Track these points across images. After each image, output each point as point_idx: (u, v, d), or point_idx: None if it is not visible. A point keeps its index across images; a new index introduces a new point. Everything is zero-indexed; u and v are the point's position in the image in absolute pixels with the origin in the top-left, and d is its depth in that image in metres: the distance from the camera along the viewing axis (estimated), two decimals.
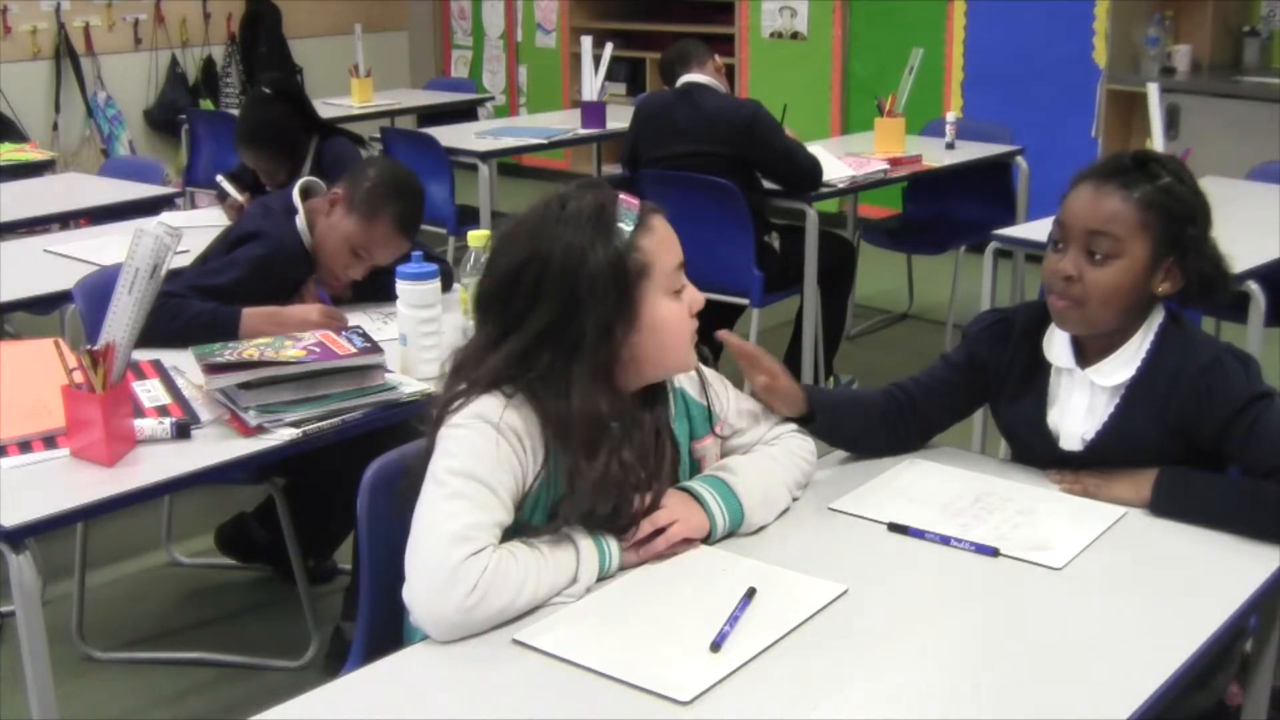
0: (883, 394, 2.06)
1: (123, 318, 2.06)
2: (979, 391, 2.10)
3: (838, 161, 4.31)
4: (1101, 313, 1.85)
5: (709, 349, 1.83)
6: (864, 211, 5.56)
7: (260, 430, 2.16)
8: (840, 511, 1.85)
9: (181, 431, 2.15)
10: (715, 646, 1.47)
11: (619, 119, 5.16)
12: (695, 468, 1.83)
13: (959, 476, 1.96)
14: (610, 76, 5.89)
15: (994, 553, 1.71)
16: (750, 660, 1.46)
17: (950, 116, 4.86)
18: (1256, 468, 1.80)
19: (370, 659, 1.52)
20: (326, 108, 5.82)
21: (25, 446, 2.11)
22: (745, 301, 4.06)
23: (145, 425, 2.14)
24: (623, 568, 1.66)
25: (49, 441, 2.12)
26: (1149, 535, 1.78)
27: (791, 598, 1.59)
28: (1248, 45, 5.59)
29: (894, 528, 1.79)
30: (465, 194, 5.08)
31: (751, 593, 1.58)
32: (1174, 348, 1.88)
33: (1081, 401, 1.93)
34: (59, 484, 2.00)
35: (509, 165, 7.41)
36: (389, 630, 1.71)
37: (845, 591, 1.61)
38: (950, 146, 4.79)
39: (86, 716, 2.74)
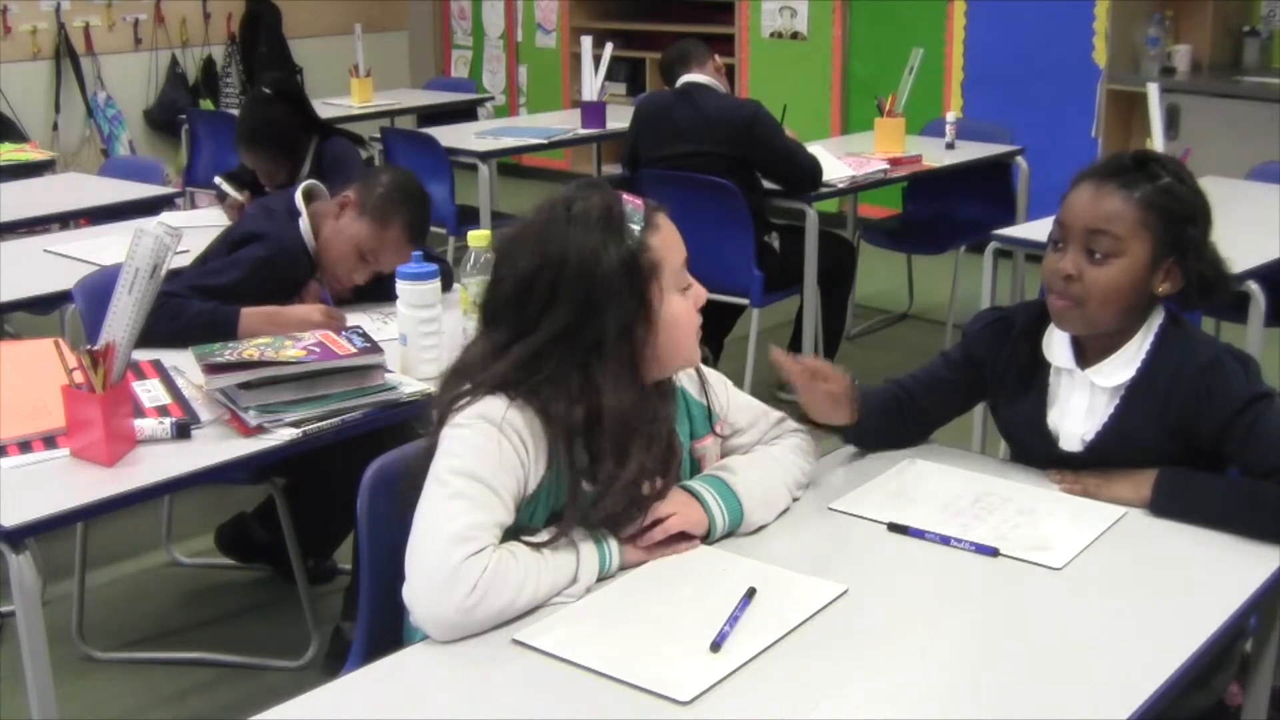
0: (884, 391, 2.06)
1: (123, 318, 2.06)
2: (977, 389, 2.10)
3: (838, 161, 4.31)
4: (1101, 312, 1.85)
5: (709, 349, 1.83)
6: (864, 211, 5.56)
7: (260, 430, 2.16)
8: (840, 511, 1.85)
9: (181, 431, 2.15)
10: (715, 646, 1.47)
11: (619, 119, 5.16)
12: (695, 467, 1.83)
13: (959, 476, 1.96)
14: (610, 76, 5.89)
15: (994, 553, 1.71)
16: (750, 660, 1.46)
17: (950, 116, 4.86)
18: (1256, 468, 1.80)
19: (370, 659, 1.52)
20: (326, 108, 5.83)
21: (25, 446, 2.11)
22: (745, 301, 4.06)
23: (145, 425, 2.14)
24: (623, 567, 1.66)
25: (49, 441, 2.12)
26: (1149, 535, 1.78)
27: (791, 598, 1.59)
28: (1248, 45, 5.59)
29: (894, 528, 1.79)
30: (465, 194, 5.08)
31: (751, 593, 1.58)
32: (1174, 348, 1.88)
33: (1081, 402, 1.93)
34: (59, 484, 2.00)
35: (509, 165, 7.41)
36: (389, 630, 1.71)
37: (845, 591, 1.61)
38: (950, 146, 4.79)
39: (86, 716, 2.74)
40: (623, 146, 4.45)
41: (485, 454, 1.58)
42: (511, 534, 1.60)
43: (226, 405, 2.21)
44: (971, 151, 4.79)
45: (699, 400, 1.84)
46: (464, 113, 6.32)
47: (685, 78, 4.17)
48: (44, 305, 3.32)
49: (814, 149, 4.20)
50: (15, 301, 3.10)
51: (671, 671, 1.43)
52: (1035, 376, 1.98)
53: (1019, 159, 4.87)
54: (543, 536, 1.61)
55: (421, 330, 2.43)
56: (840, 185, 4.21)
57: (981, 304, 3.61)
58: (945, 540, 1.75)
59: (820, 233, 4.10)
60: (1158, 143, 3.76)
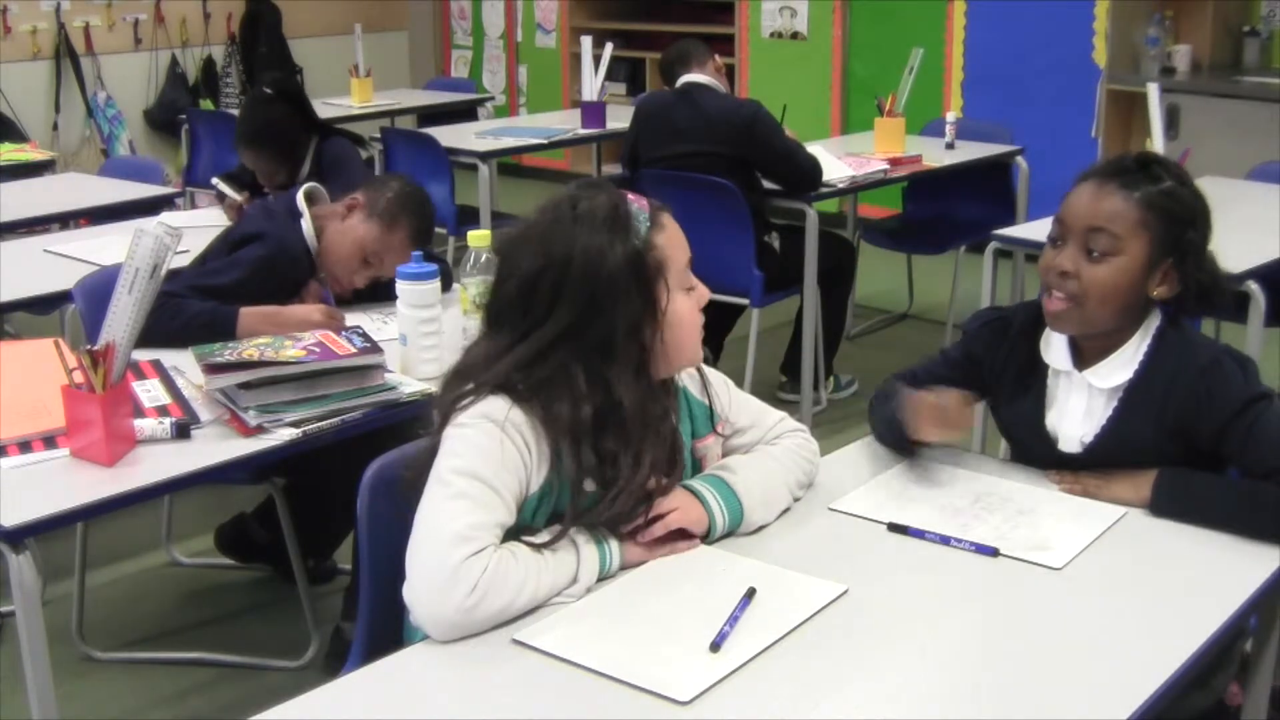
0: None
1: (123, 318, 2.06)
2: (976, 388, 2.10)
3: (838, 161, 4.31)
4: (1098, 311, 1.85)
5: (709, 348, 1.83)
6: (864, 211, 5.56)
7: (260, 430, 2.16)
8: (840, 511, 1.85)
9: (181, 431, 2.15)
10: (715, 646, 1.47)
11: (619, 119, 5.16)
12: (697, 467, 1.83)
13: (959, 476, 1.96)
14: (610, 76, 5.89)
15: (994, 553, 1.71)
16: (750, 660, 1.46)
17: (950, 116, 4.86)
18: (1255, 469, 1.80)
19: (370, 659, 1.52)
20: (326, 108, 5.83)
21: (25, 446, 2.10)
22: (745, 301, 4.06)
23: (145, 425, 2.14)
24: (623, 567, 1.66)
25: (49, 441, 2.12)
26: (1149, 535, 1.78)
27: (791, 598, 1.59)
28: (1248, 45, 5.59)
29: (894, 528, 1.79)
30: (465, 194, 5.08)
31: (751, 593, 1.58)
32: (1172, 350, 1.88)
33: (1079, 404, 1.93)
34: (59, 484, 2.00)
35: (509, 165, 7.41)
36: (389, 630, 1.71)
37: (845, 591, 1.61)
38: (950, 146, 4.79)
39: (86, 716, 2.74)
40: (623, 146, 4.45)
41: (487, 454, 1.58)
42: (512, 534, 1.60)
43: (226, 405, 2.21)
44: (971, 151, 4.79)
45: (700, 399, 1.84)
46: (464, 113, 6.32)
47: (685, 78, 4.17)
48: (44, 305, 3.32)
49: (814, 149, 4.20)
50: (15, 301, 3.10)
51: (671, 671, 1.43)
52: (1033, 377, 1.98)
53: (1019, 159, 4.87)
54: (543, 536, 1.61)
55: (421, 330, 2.43)
56: (840, 185, 4.21)
57: (981, 304, 3.61)
58: (945, 540, 1.75)
59: (820, 233, 4.09)
60: (1158, 143, 3.76)
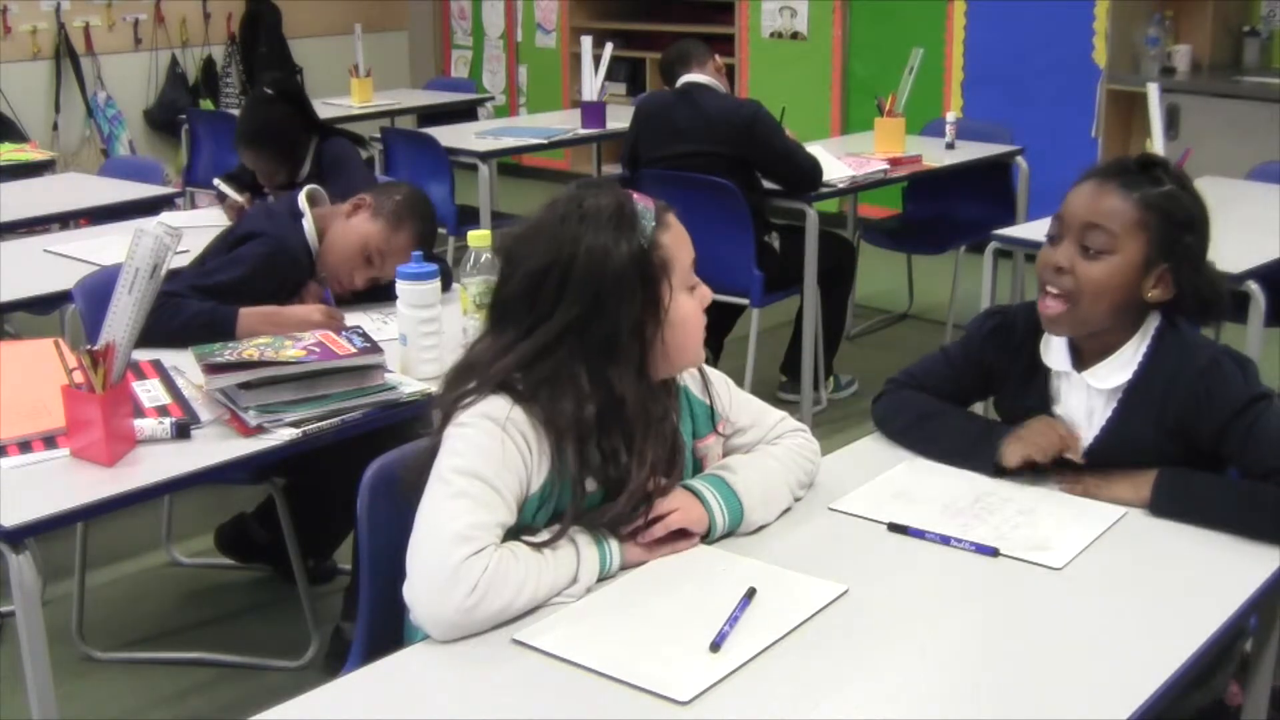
0: (924, 398, 2.07)
1: (123, 318, 2.06)
2: (978, 390, 2.11)
3: (838, 161, 4.31)
4: (1091, 310, 1.85)
5: (710, 348, 1.83)
6: (864, 211, 5.56)
7: (260, 430, 2.16)
8: (840, 511, 1.85)
9: (181, 431, 2.15)
10: (715, 646, 1.47)
11: (619, 119, 5.16)
12: (697, 466, 1.83)
13: (959, 476, 1.96)
14: (610, 76, 5.89)
15: (994, 553, 1.71)
16: (750, 660, 1.46)
17: (950, 116, 4.86)
18: (1255, 469, 1.80)
19: (370, 659, 1.52)
20: (326, 108, 5.83)
21: (25, 446, 2.10)
22: (745, 301, 4.06)
23: (145, 425, 2.14)
24: (623, 567, 1.66)
25: (49, 441, 2.12)
26: (1149, 535, 1.78)
27: (791, 598, 1.59)
28: (1248, 45, 5.59)
29: (894, 528, 1.79)
30: (465, 194, 5.08)
31: (751, 593, 1.58)
32: (1171, 351, 1.88)
33: (1080, 406, 1.93)
34: (59, 484, 2.00)
35: (509, 165, 7.41)
36: (389, 630, 1.71)
37: (845, 591, 1.61)
38: (950, 146, 4.79)
39: (86, 716, 2.74)
40: (623, 146, 4.45)
41: (488, 453, 1.58)
42: (513, 534, 1.60)
43: (226, 405, 2.21)
44: (971, 151, 4.79)
45: (701, 399, 1.84)
46: (464, 113, 6.32)
47: (685, 78, 4.17)
48: (44, 305, 3.32)
49: (814, 149, 4.20)
50: (15, 301, 3.10)
51: (671, 671, 1.43)
52: (1036, 379, 1.98)
53: (1019, 159, 4.87)
54: (543, 536, 1.61)
55: (421, 330, 2.43)
56: (840, 185, 4.21)
57: (981, 304, 3.61)
58: (945, 540, 1.75)
59: (820, 233, 4.09)
60: (1158, 143, 3.76)
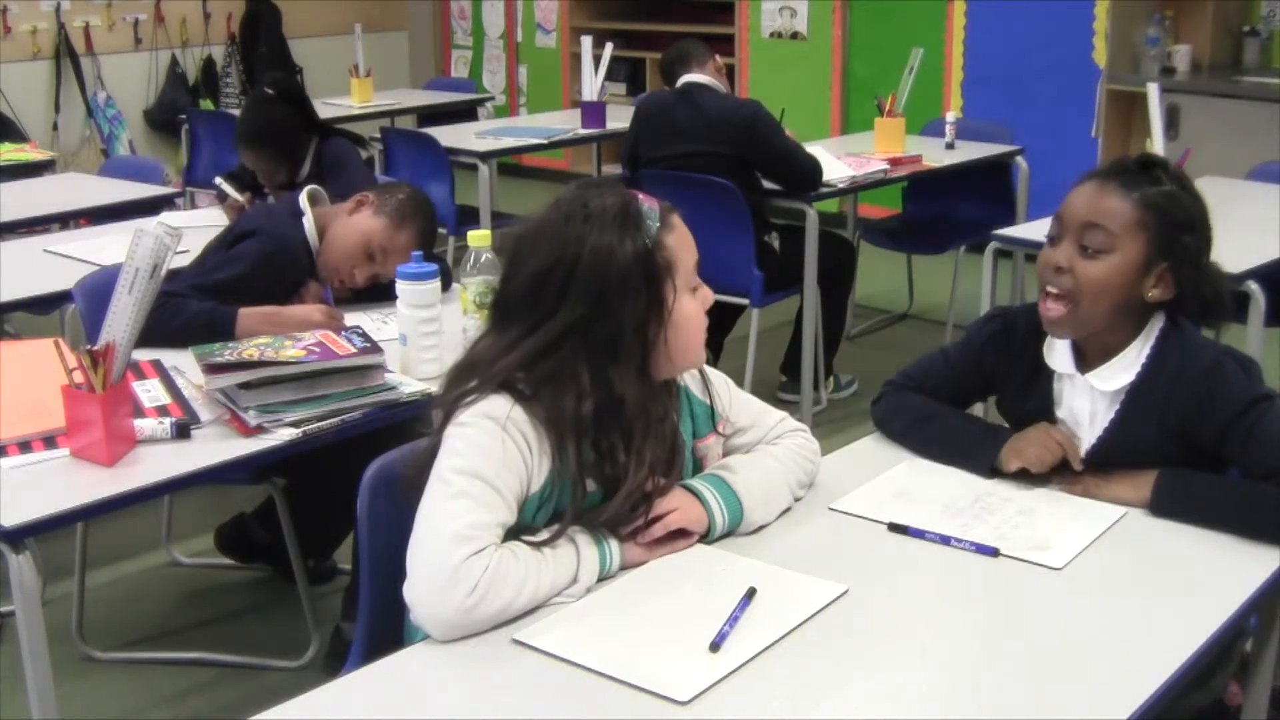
0: (924, 400, 2.07)
1: (123, 318, 2.06)
2: (978, 392, 2.11)
3: (838, 161, 4.31)
4: (1091, 309, 1.85)
5: (710, 349, 1.83)
6: (864, 211, 5.56)
7: (260, 430, 2.16)
8: (840, 511, 1.85)
9: (181, 431, 2.15)
10: (714, 646, 1.47)
11: (619, 119, 5.16)
12: (698, 466, 1.83)
13: (959, 476, 1.96)
14: (610, 76, 5.89)
15: (994, 553, 1.71)
16: (750, 660, 1.46)
17: (950, 116, 4.86)
18: (1256, 470, 1.80)
19: (370, 659, 1.52)
20: (326, 108, 5.83)
21: (25, 446, 2.10)
22: (745, 301, 4.06)
23: (145, 425, 2.14)
24: (623, 567, 1.66)
25: (49, 441, 2.12)
26: (1149, 535, 1.78)
27: (791, 598, 1.59)
28: (1248, 45, 5.59)
29: (894, 528, 1.79)
30: (465, 194, 5.08)
31: (751, 593, 1.58)
32: (1174, 352, 1.88)
33: (1083, 407, 1.93)
34: (59, 484, 2.00)
35: (509, 165, 7.41)
36: (389, 630, 1.71)
37: (845, 591, 1.61)
38: (950, 146, 4.79)
39: (86, 716, 2.74)
40: (623, 146, 4.45)
41: (489, 453, 1.58)
42: (513, 534, 1.60)
43: (226, 405, 2.21)
44: (971, 151, 4.79)
45: (701, 399, 1.84)
46: (464, 113, 6.32)
47: (685, 78, 4.17)
48: (44, 305, 3.31)
49: (814, 149, 4.20)
50: (15, 301, 3.10)
51: (671, 671, 1.43)
52: (1039, 380, 1.98)
53: (1019, 159, 4.87)
54: (543, 536, 1.61)
55: (421, 330, 2.43)
56: (840, 185, 4.21)
57: (981, 304, 3.61)
58: (945, 540, 1.75)
59: (820, 233, 4.09)
60: (1158, 143, 3.76)
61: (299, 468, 2.67)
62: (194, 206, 5.38)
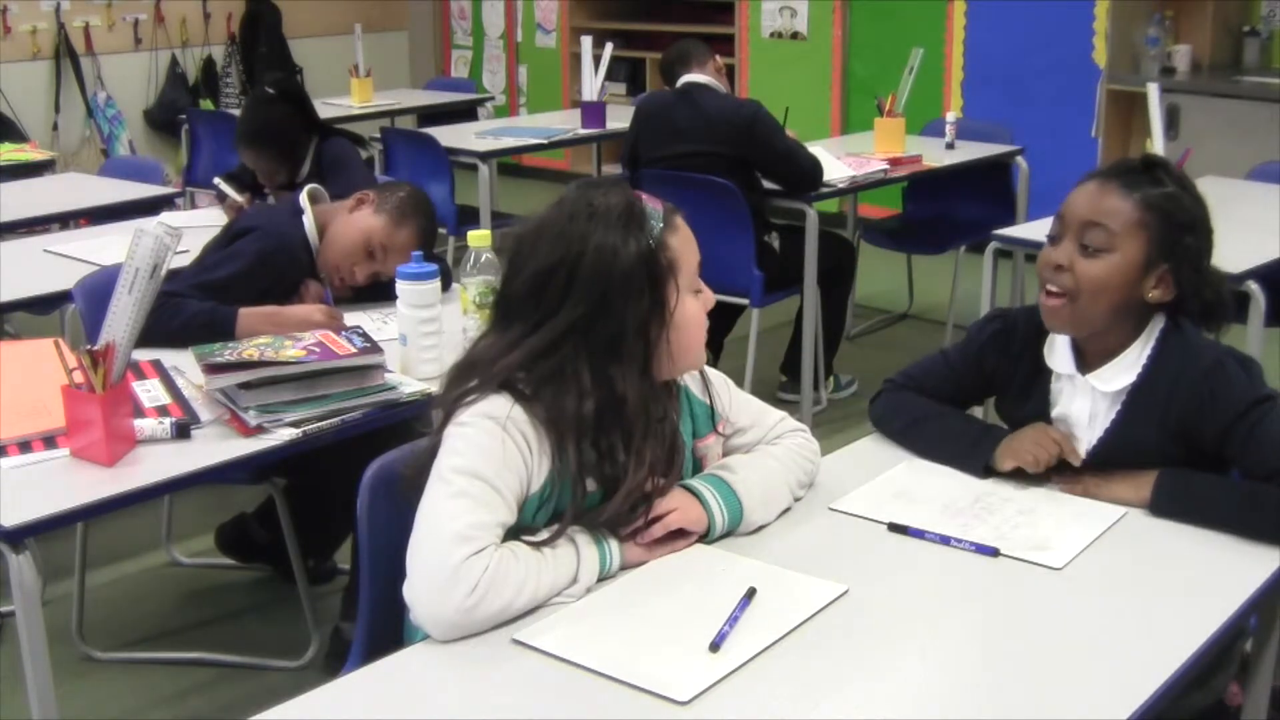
0: (925, 400, 2.07)
1: (123, 318, 2.06)
2: (977, 393, 2.11)
3: (838, 161, 4.31)
4: (1090, 308, 1.85)
5: (710, 349, 1.83)
6: (864, 211, 5.56)
7: (260, 430, 2.16)
8: (840, 511, 1.85)
9: (181, 431, 2.15)
10: (714, 646, 1.47)
11: (619, 119, 5.16)
12: (697, 466, 1.83)
13: (959, 476, 1.95)
14: (610, 76, 5.89)
15: (994, 553, 1.71)
16: (750, 660, 1.46)
17: (950, 116, 4.86)
18: (1257, 471, 1.80)
19: (370, 659, 1.52)
20: (326, 108, 5.82)
21: (25, 446, 2.10)
22: (745, 301, 4.06)
23: (145, 425, 2.14)
24: (623, 567, 1.66)
25: (49, 441, 2.12)
26: (1149, 535, 1.78)
27: (791, 598, 1.59)
28: (1248, 45, 5.59)
29: (894, 528, 1.79)
30: (465, 194, 5.08)
31: (751, 593, 1.58)
32: (1175, 353, 1.88)
33: (1083, 408, 1.93)
34: (59, 484, 2.00)
35: (509, 165, 7.41)
36: (389, 630, 1.71)
37: (845, 591, 1.61)
38: (950, 146, 4.79)
39: (86, 716, 2.74)
40: (623, 146, 4.45)
41: (489, 452, 1.58)
42: (513, 534, 1.60)
43: (226, 405, 2.21)
44: (971, 151, 4.79)
45: (701, 399, 1.84)
46: (464, 113, 6.32)
47: (685, 78, 4.17)
48: (44, 305, 3.31)
49: (814, 149, 4.20)
50: (15, 301, 3.10)
51: (671, 671, 1.43)
52: (1038, 381, 1.98)
53: (1019, 159, 4.87)
54: (543, 536, 1.61)
55: (421, 330, 2.43)
56: (840, 185, 4.21)
57: (981, 304, 3.61)
58: (945, 540, 1.75)
59: (820, 233, 4.09)
60: (1157, 143, 3.76)
61: (299, 468, 2.66)
62: (194, 206, 5.38)
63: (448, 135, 5.17)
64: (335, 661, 2.65)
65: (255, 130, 3.82)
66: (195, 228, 3.26)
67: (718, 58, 4.29)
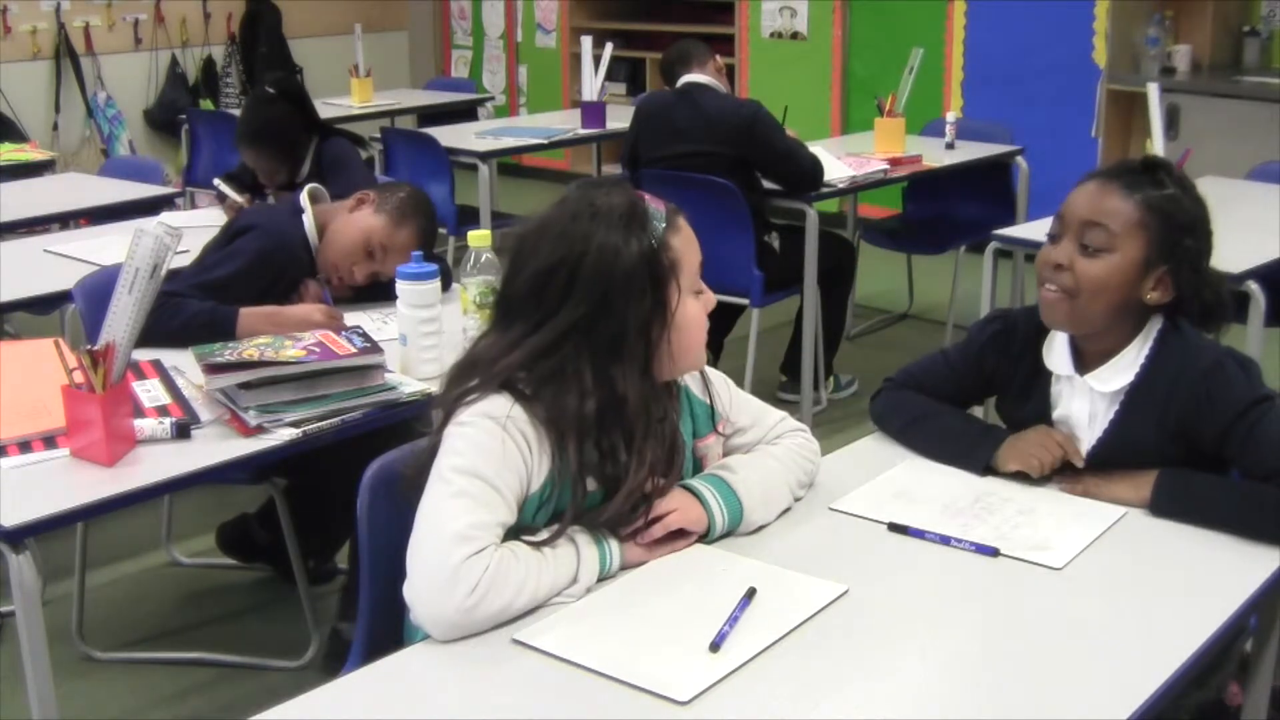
0: (925, 400, 2.07)
1: (123, 318, 2.06)
2: (977, 393, 2.11)
3: (838, 161, 4.31)
4: (1089, 307, 1.85)
5: (710, 349, 1.83)
6: (864, 211, 5.56)
7: (260, 430, 2.16)
8: (840, 511, 1.85)
9: (181, 431, 2.15)
10: (714, 646, 1.47)
11: (619, 119, 5.16)
12: (698, 466, 1.83)
13: (959, 476, 1.96)
14: (610, 76, 5.89)
15: (994, 553, 1.71)
16: (750, 660, 1.46)
17: (950, 116, 4.86)
18: (1257, 471, 1.80)
19: (370, 659, 1.52)
20: (326, 108, 5.82)
21: (25, 446, 2.10)
22: (745, 301, 4.06)
23: (145, 425, 2.14)
24: (623, 567, 1.66)
25: (49, 441, 2.12)
26: (1149, 535, 1.78)
27: (791, 598, 1.59)
28: (1248, 45, 5.59)
29: (894, 528, 1.79)
30: (465, 194, 5.08)
31: (751, 593, 1.58)
32: (1173, 353, 1.88)
33: (1083, 409, 1.93)
34: (59, 484, 2.00)
35: (509, 165, 7.41)
36: (389, 630, 1.71)
37: (845, 591, 1.61)
38: (950, 146, 4.79)
39: (86, 716, 2.74)
40: (623, 146, 4.45)
41: (489, 452, 1.58)
42: (513, 534, 1.60)
43: (226, 405, 2.21)
44: (971, 151, 4.79)
45: (701, 399, 1.84)
46: (464, 113, 6.32)
47: (685, 78, 4.17)
48: (44, 305, 3.31)
49: (814, 149, 4.20)
50: (15, 301, 3.09)
51: (671, 671, 1.43)
52: (1037, 382, 1.98)
53: (1019, 159, 4.87)
54: (543, 536, 1.61)
55: (421, 330, 2.43)
56: (840, 185, 4.21)
57: (981, 304, 3.62)
58: (945, 540, 1.75)
59: (820, 233, 4.10)
60: (1157, 143, 3.76)
61: (299, 468, 2.66)
62: (194, 206, 5.38)
63: (448, 135, 5.17)
64: (334, 662, 2.65)
65: (255, 130, 3.82)
66: (195, 228, 3.25)
67: (718, 58, 4.29)
